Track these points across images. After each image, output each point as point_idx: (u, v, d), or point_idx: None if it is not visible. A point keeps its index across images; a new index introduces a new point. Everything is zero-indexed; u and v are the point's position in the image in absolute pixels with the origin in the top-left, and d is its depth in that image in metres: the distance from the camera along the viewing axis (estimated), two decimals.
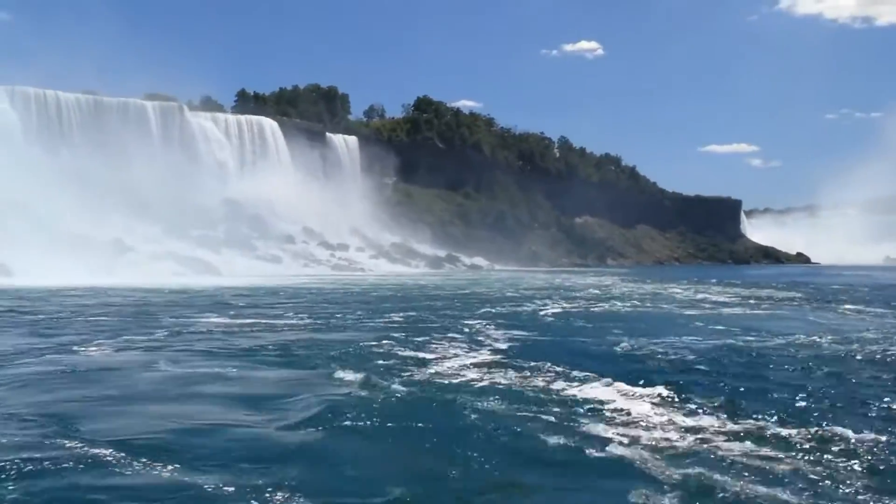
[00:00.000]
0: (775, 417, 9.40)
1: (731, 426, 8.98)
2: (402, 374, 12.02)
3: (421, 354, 14.10)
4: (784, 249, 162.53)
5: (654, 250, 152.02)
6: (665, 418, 9.27)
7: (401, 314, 23.16)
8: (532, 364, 12.81)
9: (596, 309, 27.24)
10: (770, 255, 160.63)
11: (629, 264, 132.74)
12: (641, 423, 9.06)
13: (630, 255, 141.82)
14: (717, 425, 9.02)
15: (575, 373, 12.08)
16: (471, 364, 12.96)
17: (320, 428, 8.75)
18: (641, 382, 11.25)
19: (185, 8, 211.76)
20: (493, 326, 19.34)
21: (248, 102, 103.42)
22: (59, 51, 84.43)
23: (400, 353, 14.34)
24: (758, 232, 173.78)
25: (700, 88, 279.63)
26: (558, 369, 12.36)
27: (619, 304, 29.83)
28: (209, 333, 17.43)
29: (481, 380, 11.50)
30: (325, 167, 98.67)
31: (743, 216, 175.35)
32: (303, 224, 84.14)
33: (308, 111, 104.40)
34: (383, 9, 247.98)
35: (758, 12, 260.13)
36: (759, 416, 9.38)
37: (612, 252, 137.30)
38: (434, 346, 15.32)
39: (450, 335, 17.25)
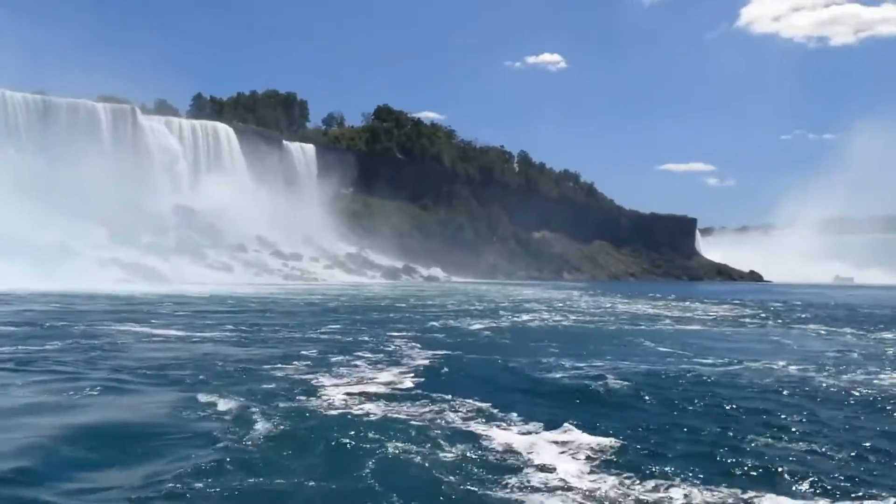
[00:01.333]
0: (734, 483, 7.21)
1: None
2: (289, 402, 10.09)
3: (324, 378, 12.24)
4: (737, 267, 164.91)
5: (609, 266, 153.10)
6: (591, 482, 7.12)
7: (332, 328, 21.49)
8: (446, 396, 10.68)
9: (541, 324, 25.97)
10: (723, 273, 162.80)
11: (585, 279, 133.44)
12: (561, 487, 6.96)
13: (586, 270, 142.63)
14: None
15: (494, 409, 9.97)
16: (376, 393, 11.04)
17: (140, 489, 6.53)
18: (570, 424, 9.13)
19: (143, 10, 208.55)
20: (421, 345, 17.35)
21: (205, 107, 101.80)
22: (8, 49, 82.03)
23: (302, 375, 12.52)
24: (712, 250, 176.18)
25: (659, 105, 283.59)
26: (476, 404, 10.27)
27: (566, 319, 28.52)
28: (107, 346, 15.76)
29: (379, 414, 9.50)
30: (282, 175, 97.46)
31: (698, 234, 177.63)
32: (256, 233, 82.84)
33: (266, 117, 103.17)
34: (347, 17, 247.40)
35: (716, 30, 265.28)
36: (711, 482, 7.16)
37: (568, 266, 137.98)
38: (346, 367, 13.50)
39: (371, 354, 15.36)
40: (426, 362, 14.42)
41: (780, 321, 30.17)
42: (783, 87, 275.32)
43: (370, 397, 10.70)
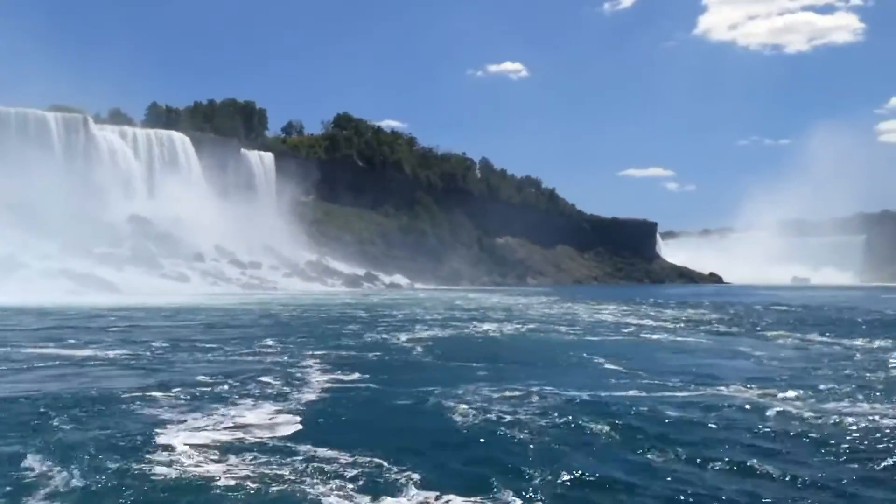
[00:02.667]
0: None
1: None
2: (112, 458, 8.11)
3: (188, 417, 10.31)
4: (698, 270, 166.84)
5: (572, 270, 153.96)
6: None
7: (261, 345, 19.81)
8: (323, 448, 8.64)
9: (488, 336, 24.24)
10: (685, 275, 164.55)
11: (548, 283, 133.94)
12: None
13: (549, 275, 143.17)
14: None
15: (384, 468, 7.97)
16: (234, 442, 8.97)
17: None
18: (490, 492, 7.28)
19: (98, 20, 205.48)
20: (333, 367, 15.57)
21: (160, 116, 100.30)
22: None
23: (163, 412, 10.59)
24: (673, 253, 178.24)
25: (619, 112, 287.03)
26: (362, 459, 8.25)
27: (518, 329, 27.06)
28: None
29: (220, 480, 7.43)
30: (240, 183, 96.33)
31: (658, 238, 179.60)
32: (214, 242, 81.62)
33: (224, 126, 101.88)
34: (307, 27, 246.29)
35: (674, 38, 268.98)
36: None
37: (531, 271, 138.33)
38: (227, 401, 11.62)
39: (270, 379, 13.69)
40: (322, 395, 12.42)
41: (744, 327, 29.08)
42: (740, 93, 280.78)
43: (224, 449, 8.59)
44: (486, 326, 27.73)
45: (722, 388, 13.54)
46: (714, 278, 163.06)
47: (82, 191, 74.34)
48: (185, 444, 8.84)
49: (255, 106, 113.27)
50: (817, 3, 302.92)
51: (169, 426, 9.81)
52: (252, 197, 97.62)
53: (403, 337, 22.87)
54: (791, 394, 12.84)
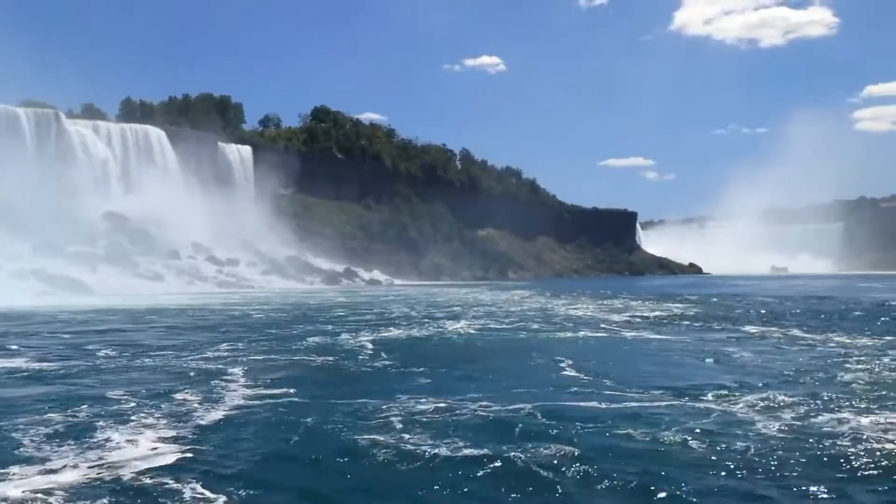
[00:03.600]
0: None
1: None
2: None
3: (64, 447, 8.95)
4: (678, 260, 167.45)
5: (554, 262, 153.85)
6: None
7: (202, 350, 18.53)
8: (197, 491, 7.38)
9: (449, 337, 22.93)
10: (665, 266, 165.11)
11: (530, 277, 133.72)
12: None
13: (531, 268, 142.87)
14: None
15: None
16: (94, 484, 7.51)
17: None
18: None
19: (70, 13, 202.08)
20: (267, 374, 14.48)
21: (135, 111, 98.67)
22: None
23: (20, 447, 8.99)
24: (653, 243, 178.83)
25: (598, 104, 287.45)
26: None
27: (486, 327, 26.00)
28: None
29: None
30: (218, 178, 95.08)
31: (639, 228, 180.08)
32: (191, 239, 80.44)
33: (199, 121, 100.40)
34: (285, 21, 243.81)
35: (651, 33, 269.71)
36: None
37: (513, 265, 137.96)
38: (124, 422, 10.28)
39: (187, 396, 12.23)
40: (231, 413, 10.88)
41: (724, 322, 28.00)
42: (717, 85, 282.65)
43: (71, 497, 7.09)
44: (457, 325, 26.80)
45: (695, 397, 12.06)
46: (694, 269, 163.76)
47: (55, 188, 72.96)
48: (23, 492, 7.23)
49: (230, 100, 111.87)
50: None
51: (15, 466, 8.11)
52: (230, 191, 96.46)
53: (364, 339, 21.71)
54: (773, 402, 11.56)
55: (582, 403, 11.65)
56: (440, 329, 25.42)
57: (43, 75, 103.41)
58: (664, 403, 11.64)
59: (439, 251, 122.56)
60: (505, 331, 25.01)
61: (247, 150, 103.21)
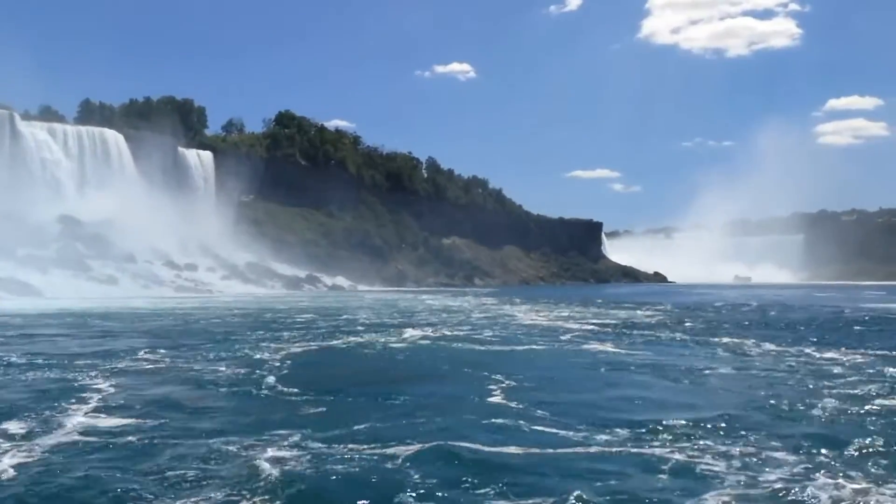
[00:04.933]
0: None
1: None
2: None
3: None
4: (643, 269, 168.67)
5: (519, 270, 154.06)
6: None
7: (113, 359, 16.96)
8: None
9: (390, 346, 21.19)
10: (629, 275, 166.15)
11: (496, 284, 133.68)
12: None
13: (497, 276, 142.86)
14: None
15: None
16: None
17: None
18: None
19: (29, 12, 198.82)
20: (136, 394, 12.57)
21: (93, 113, 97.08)
22: None
23: None
24: (618, 253, 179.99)
25: (566, 114, 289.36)
26: None
27: (435, 335, 24.28)
28: None
29: None
30: (177, 183, 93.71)
31: (604, 238, 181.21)
32: (149, 243, 79.00)
33: (161, 124, 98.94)
34: (251, 25, 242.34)
35: (619, 41, 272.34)
36: None
37: (479, 272, 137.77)
38: None
39: (12, 423, 10.15)
40: (43, 456, 8.60)
41: (687, 333, 26.23)
42: (684, 96, 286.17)
43: None
44: (405, 334, 24.98)
45: (647, 435, 9.70)
46: (658, 277, 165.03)
47: (7, 190, 71.44)
48: None
49: (193, 104, 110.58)
50: (757, 8, 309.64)
51: None
52: (190, 196, 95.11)
53: (294, 349, 19.78)
54: (746, 449, 9.00)
55: (488, 447, 8.98)
56: (385, 338, 23.57)
57: (1, 75, 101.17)
58: (604, 447, 9.14)
59: (404, 258, 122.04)
60: (454, 340, 23.21)
61: (207, 155, 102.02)
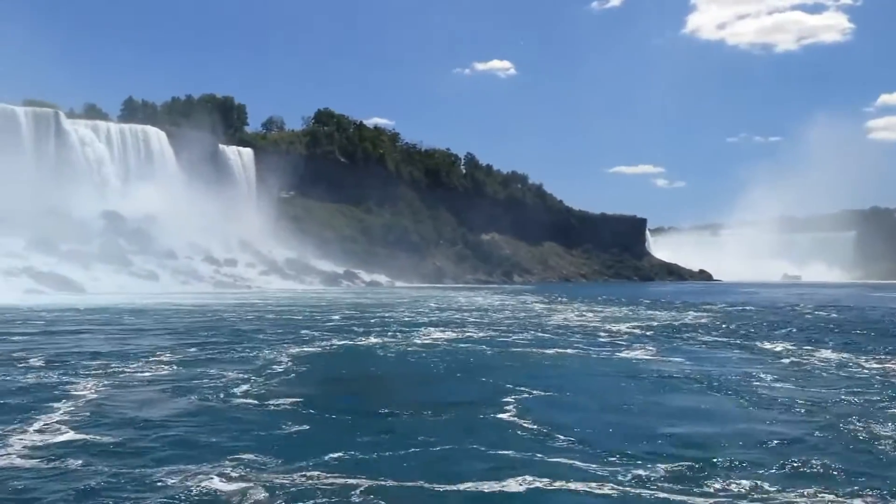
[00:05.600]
0: None
1: None
2: None
3: None
4: (687, 267, 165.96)
5: (560, 267, 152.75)
6: None
7: (131, 361, 16.30)
8: None
9: (408, 349, 19.85)
10: (674, 272, 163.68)
11: (536, 281, 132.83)
12: None
13: (536, 272, 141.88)
14: None
15: None
16: None
17: None
18: None
19: (75, 13, 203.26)
20: (118, 407, 11.42)
21: (136, 112, 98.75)
22: None
23: None
24: (662, 249, 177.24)
25: (608, 110, 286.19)
26: None
27: (460, 337, 23.19)
28: None
29: None
30: (218, 180, 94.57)
31: (648, 234, 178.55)
32: (189, 239, 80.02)
33: (202, 122, 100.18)
34: (292, 24, 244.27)
35: (663, 37, 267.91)
36: None
37: (518, 268, 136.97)
38: None
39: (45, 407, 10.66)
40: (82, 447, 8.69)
41: (737, 337, 24.18)
42: (730, 91, 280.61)
43: None
44: (431, 334, 24.22)
45: (692, 473, 7.91)
46: (704, 275, 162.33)
47: (52, 186, 72.85)
48: None
49: (234, 101, 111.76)
50: (807, 3, 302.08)
51: None
52: (230, 193, 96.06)
53: (311, 350, 19.25)
54: (810, 487, 7.36)
55: (486, 483, 7.57)
56: (408, 339, 22.59)
57: (49, 75, 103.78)
58: (635, 486, 7.44)
59: (442, 254, 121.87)
60: (480, 342, 21.96)
61: (248, 152, 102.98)
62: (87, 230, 70.73)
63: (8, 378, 13.92)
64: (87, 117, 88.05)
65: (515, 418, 10.89)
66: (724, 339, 23.63)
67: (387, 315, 34.61)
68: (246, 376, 14.46)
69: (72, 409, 11.13)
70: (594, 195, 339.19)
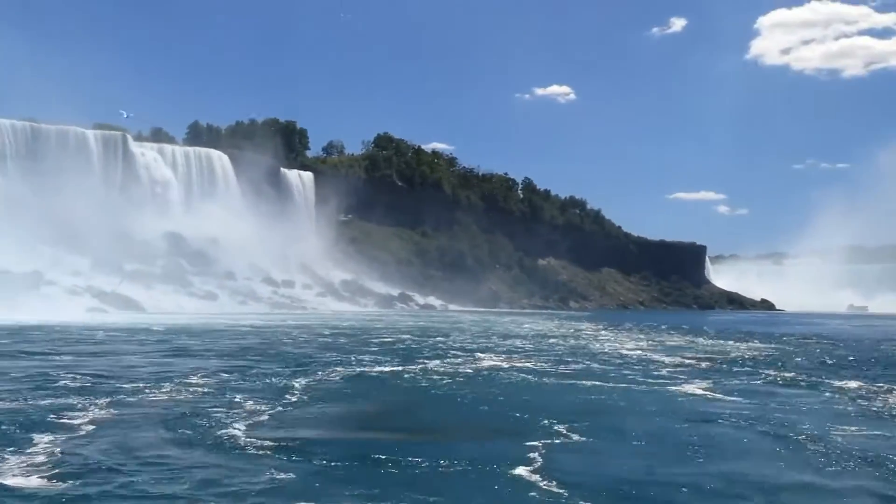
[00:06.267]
0: None
1: None
2: None
3: None
4: (749, 296, 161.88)
5: (618, 293, 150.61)
6: None
7: (161, 385, 16.05)
8: None
9: (435, 378, 18.96)
10: (735, 301, 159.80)
11: (592, 307, 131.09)
12: None
13: (593, 298, 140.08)
14: None
15: None
16: None
17: None
18: None
19: (145, 41, 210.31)
20: (137, 420, 12.06)
21: (201, 135, 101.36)
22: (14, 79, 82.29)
23: None
24: (723, 278, 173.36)
25: (669, 136, 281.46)
26: None
27: (502, 365, 22.42)
28: None
29: None
30: (279, 203, 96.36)
31: (708, 262, 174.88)
32: (249, 260, 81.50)
33: (264, 145, 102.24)
34: (353, 49, 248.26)
35: (725, 62, 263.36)
36: None
37: (575, 294, 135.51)
38: None
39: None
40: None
41: (802, 373, 22.24)
42: (795, 117, 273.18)
43: None
44: (472, 361, 23.67)
45: None
46: (766, 305, 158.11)
47: (118, 207, 75.21)
48: None
49: (295, 125, 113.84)
50: (875, 27, 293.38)
51: None
52: (290, 216, 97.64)
53: (335, 377, 18.81)
54: None
55: None
56: (449, 365, 21.98)
57: (116, 100, 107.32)
58: None
59: (497, 278, 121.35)
60: (522, 371, 21.03)
61: (308, 175, 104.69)
62: (150, 251, 72.68)
63: (15, 402, 13.69)
64: (153, 140, 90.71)
65: (537, 476, 9.37)
66: (790, 375, 22.14)
67: (434, 340, 34.33)
68: (262, 407, 13.91)
69: (57, 441, 10.50)
70: (653, 221, 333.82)
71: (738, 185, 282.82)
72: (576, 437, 11.75)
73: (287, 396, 15.41)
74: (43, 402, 13.72)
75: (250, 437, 11.27)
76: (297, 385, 16.98)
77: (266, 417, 13.04)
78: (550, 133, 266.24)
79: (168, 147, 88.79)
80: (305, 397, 15.55)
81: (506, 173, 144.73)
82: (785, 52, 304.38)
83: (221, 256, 78.65)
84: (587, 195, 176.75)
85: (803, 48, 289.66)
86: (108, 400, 14.18)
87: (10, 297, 47.55)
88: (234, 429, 11.87)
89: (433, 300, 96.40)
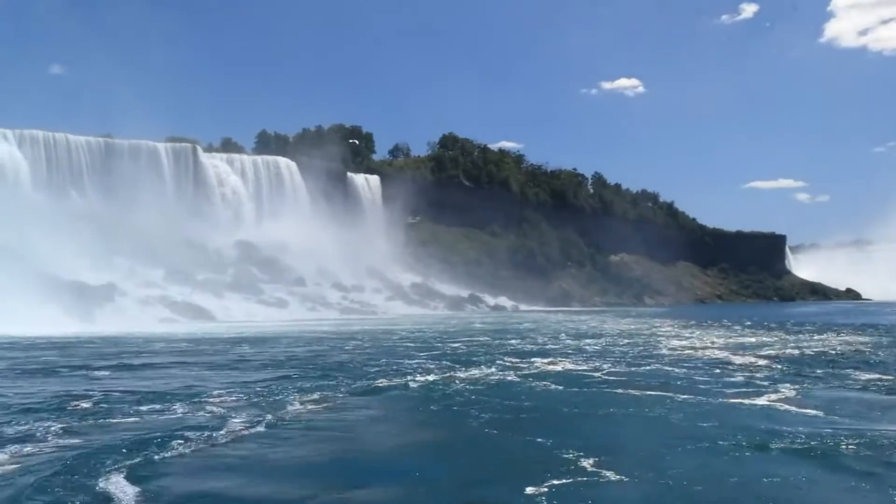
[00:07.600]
0: None
1: None
2: None
3: None
4: (832, 285, 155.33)
5: (694, 288, 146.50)
6: None
7: (192, 400, 14.57)
8: None
9: (478, 387, 16.72)
10: (818, 292, 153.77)
11: (668, 302, 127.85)
12: None
13: (669, 294, 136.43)
14: None
15: None
16: None
17: None
18: None
19: (212, 53, 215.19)
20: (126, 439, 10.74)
21: (269, 143, 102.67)
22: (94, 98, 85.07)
23: None
24: (804, 268, 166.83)
25: (743, 124, 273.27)
26: None
27: (554, 370, 20.56)
28: None
29: None
30: (346, 207, 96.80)
31: (788, 252, 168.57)
32: (318, 266, 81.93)
33: (331, 151, 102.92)
34: (419, 51, 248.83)
35: (799, 47, 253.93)
36: None
37: (649, 290, 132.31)
38: None
39: None
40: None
41: None
42: (874, 99, 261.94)
43: None
44: (525, 366, 21.68)
45: None
46: (851, 294, 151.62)
47: (190, 218, 76.58)
48: None
49: (361, 130, 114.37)
50: None
51: None
52: (358, 220, 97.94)
53: (392, 383, 17.49)
54: None
55: None
56: (496, 371, 20.07)
57: (189, 113, 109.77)
58: None
59: (569, 276, 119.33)
60: (578, 378, 18.83)
61: (375, 179, 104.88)
62: (221, 260, 73.78)
63: (22, 421, 12.44)
64: (223, 151, 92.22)
65: None
66: (890, 377, 18.81)
67: (493, 342, 32.64)
68: (273, 430, 12.05)
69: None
70: (729, 212, 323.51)
71: (818, 171, 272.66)
72: (605, 472, 9.29)
73: (299, 418, 13.41)
74: (38, 423, 12.20)
75: (240, 461, 10.06)
76: (289, 404, 14.57)
77: (260, 444, 11.25)
78: (619, 127, 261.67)
79: (237, 157, 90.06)
80: (310, 419, 13.83)
81: (574, 169, 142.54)
82: (862, 33, 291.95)
83: (291, 263, 79.26)
84: (659, 188, 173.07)
85: (881, 28, 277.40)
86: (126, 420, 12.53)
87: (86, 309, 48.70)
88: (219, 456, 10.45)
89: (504, 300, 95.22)
